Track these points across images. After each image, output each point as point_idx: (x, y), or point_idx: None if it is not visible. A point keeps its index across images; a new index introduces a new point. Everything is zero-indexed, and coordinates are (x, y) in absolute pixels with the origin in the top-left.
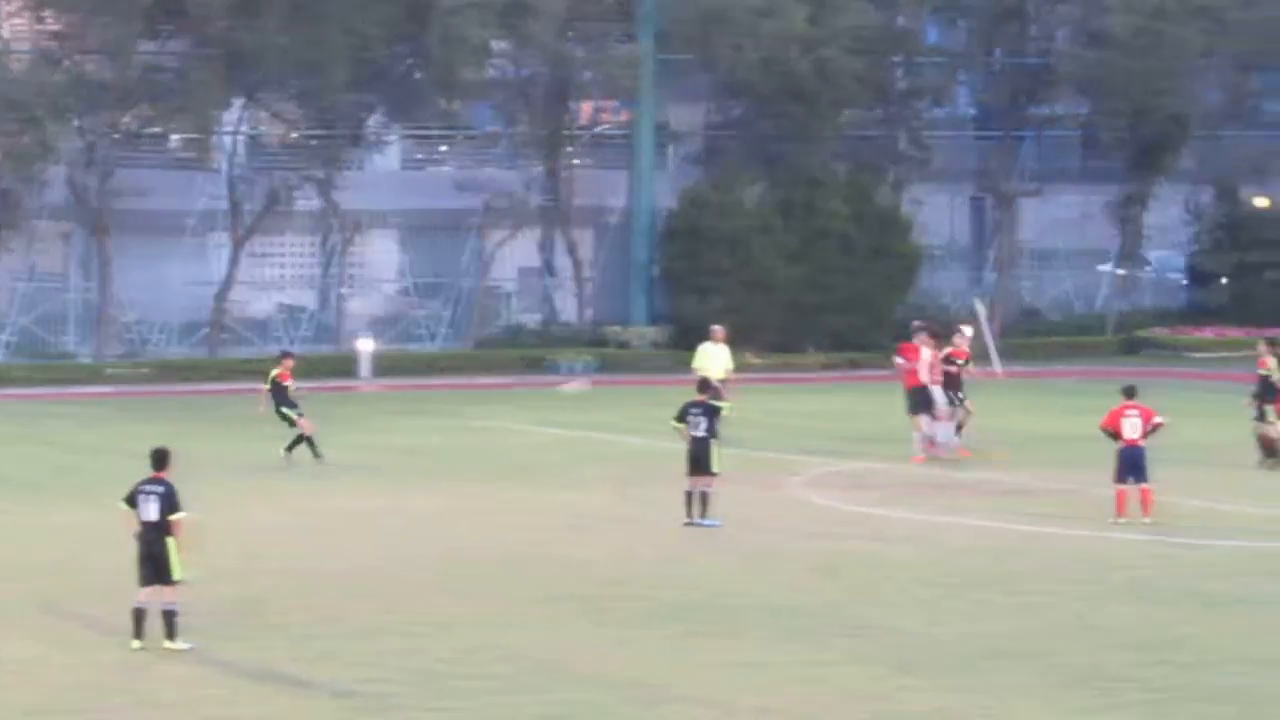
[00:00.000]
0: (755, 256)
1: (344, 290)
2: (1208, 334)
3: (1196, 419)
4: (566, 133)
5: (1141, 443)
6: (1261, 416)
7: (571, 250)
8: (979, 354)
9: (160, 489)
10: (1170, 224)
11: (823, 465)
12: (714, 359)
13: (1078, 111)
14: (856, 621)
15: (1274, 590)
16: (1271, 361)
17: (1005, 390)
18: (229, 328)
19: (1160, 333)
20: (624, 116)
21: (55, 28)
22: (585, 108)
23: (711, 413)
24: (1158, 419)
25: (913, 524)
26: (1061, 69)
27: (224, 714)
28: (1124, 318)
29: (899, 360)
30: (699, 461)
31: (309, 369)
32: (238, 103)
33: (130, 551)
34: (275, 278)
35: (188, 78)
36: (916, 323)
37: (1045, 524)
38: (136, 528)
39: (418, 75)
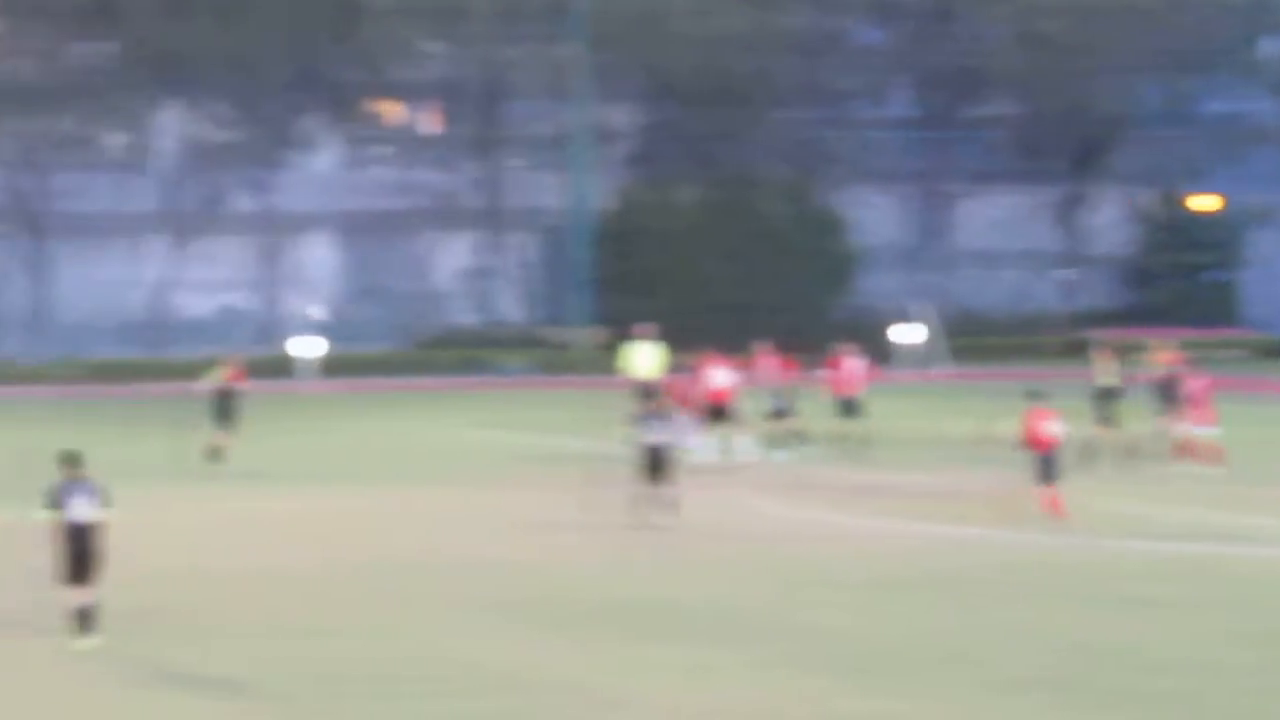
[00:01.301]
0: (691, 257)
1: (283, 291)
2: (1149, 335)
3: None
4: (502, 135)
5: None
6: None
7: (509, 252)
8: (921, 355)
9: (89, 487)
10: (1111, 225)
11: (765, 468)
12: (642, 358)
13: (1014, 112)
14: (800, 624)
15: (1200, 593)
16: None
17: (944, 392)
18: (168, 328)
19: (1103, 333)
20: (560, 118)
21: None
22: (521, 110)
23: (670, 418)
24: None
25: (853, 527)
26: (996, 70)
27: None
28: (1065, 318)
29: None
30: (660, 467)
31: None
32: (174, 105)
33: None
34: (215, 279)
35: (119, 80)
36: None
37: (984, 526)
38: (60, 530)
39: (351, 77)
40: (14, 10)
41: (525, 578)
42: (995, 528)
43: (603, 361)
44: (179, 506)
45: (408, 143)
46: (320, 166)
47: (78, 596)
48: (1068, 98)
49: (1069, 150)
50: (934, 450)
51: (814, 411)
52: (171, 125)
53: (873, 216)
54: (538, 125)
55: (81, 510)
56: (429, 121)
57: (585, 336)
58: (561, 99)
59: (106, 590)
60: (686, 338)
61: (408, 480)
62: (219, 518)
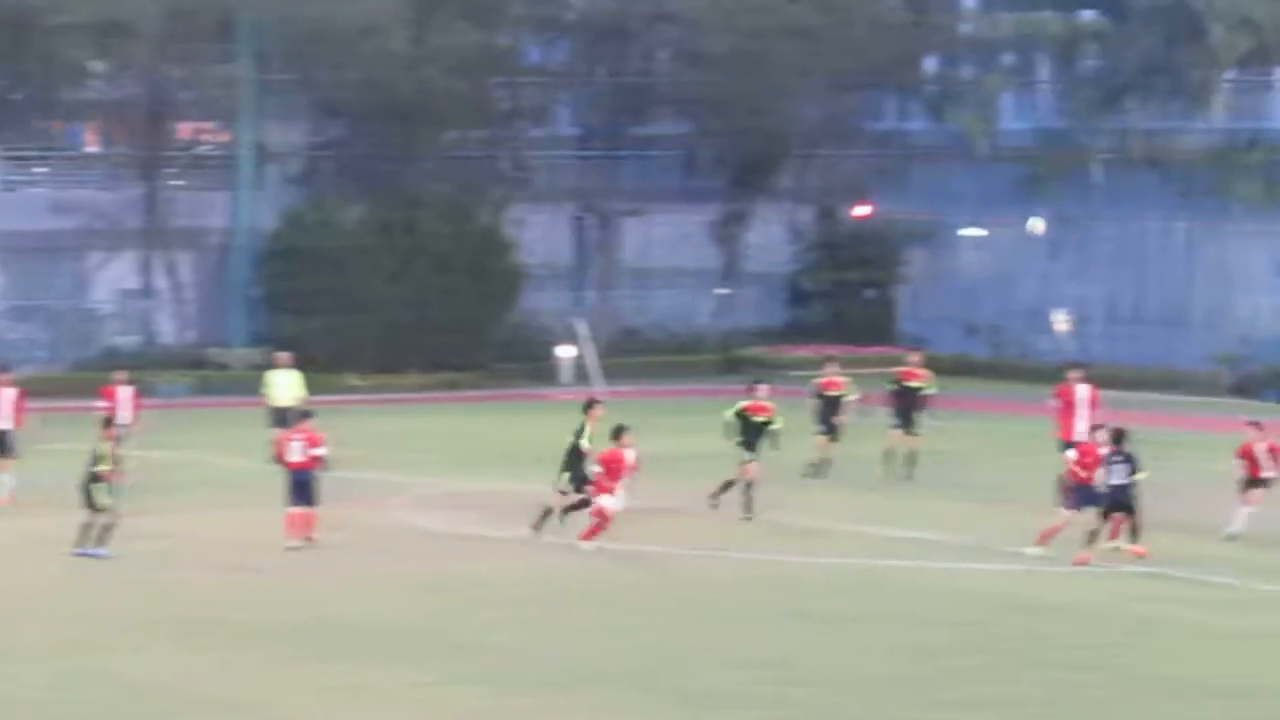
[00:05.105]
0: (354, 277)
1: None
2: (807, 352)
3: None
4: (166, 153)
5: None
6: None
7: (171, 271)
8: (582, 374)
9: None
10: (772, 243)
11: (424, 486)
12: (283, 386)
13: (678, 131)
14: (459, 641)
15: (864, 607)
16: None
17: (606, 410)
18: None
19: (760, 351)
20: (224, 137)
21: None
22: (185, 128)
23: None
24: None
25: (513, 544)
26: (662, 88)
27: None
28: (725, 336)
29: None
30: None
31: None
32: None
33: None
34: None
35: None
36: None
37: (650, 543)
38: None
39: (15, 96)
40: None
41: (181, 597)
42: (667, 544)
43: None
44: None
45: (70, 161)
46: None
47: None
48: (732, 116)
49: (733, 168)
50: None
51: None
52: None
53: (537, 235)
54: (203, 144)
55: None
56: (92, 140)
57: (246, 357)
58: (227, 117)
59: None
60: (350, 358)
61: (65, 502)
62: None
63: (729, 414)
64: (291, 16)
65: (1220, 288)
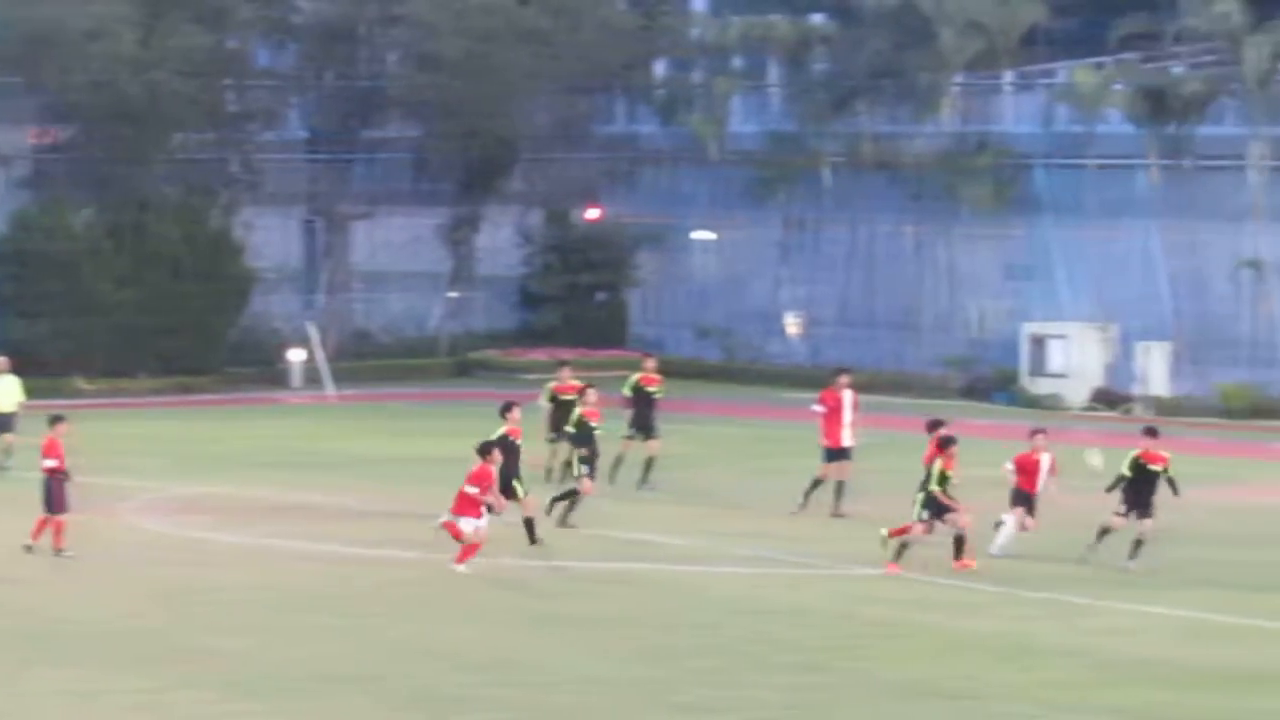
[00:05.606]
0: (84, 280)
1: None
2: (539, 356)
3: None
4: None
5: None
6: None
7: None
8: (313, 377)
9: None
10: (502, 246)
11: (154, 490)
12: (2, 391)
13: (409, 134)
14: (190, 646)
15: (612, 610)
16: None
17: (337, 413)
18: None
19: (492, 354)
20: None
21: None
22: None
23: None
24: None
25: (244, 548)
26: (392, 92)
27: None
28: (456, 340)
29: None
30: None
31: None
32: None
33: None
34: None
35: None
36: None
37: (378, 547)
38: None
39: None
40: None
41: None
42: (396, 548)
43: None
44: None
45: None
46: None
47: None
48: (462, 120)
49: (463, 172)
50: (329, 471)
51: None
52: None
53: (268, 239)
54: None
55: None
56: None
57: None
58: None
59: None
60: (80, 362)
61: None
62: None
63: (572, 421)
64: (18, 18)
65: (949, 291)
